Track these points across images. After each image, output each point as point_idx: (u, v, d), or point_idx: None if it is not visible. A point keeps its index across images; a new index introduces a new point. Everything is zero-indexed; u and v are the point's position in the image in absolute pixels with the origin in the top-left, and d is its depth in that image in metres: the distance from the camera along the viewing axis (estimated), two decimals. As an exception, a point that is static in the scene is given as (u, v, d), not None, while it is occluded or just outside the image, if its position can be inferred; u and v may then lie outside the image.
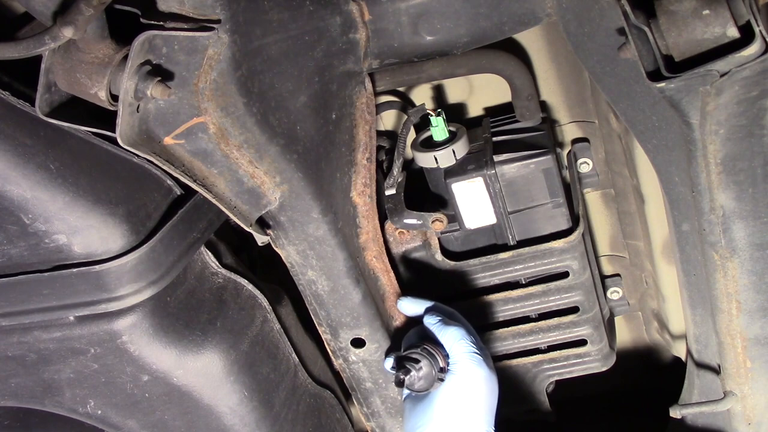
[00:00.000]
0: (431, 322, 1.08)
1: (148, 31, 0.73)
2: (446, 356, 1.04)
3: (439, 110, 1.16)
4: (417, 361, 1.02)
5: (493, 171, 1.13)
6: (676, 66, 0.76)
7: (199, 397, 1.01)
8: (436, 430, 1.01)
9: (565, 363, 1.30)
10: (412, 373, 1.01)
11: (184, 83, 0.80)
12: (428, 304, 1.13)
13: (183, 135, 0.84)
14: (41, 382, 1.00)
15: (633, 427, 1.56)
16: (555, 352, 1.30)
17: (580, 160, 1.30)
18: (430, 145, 1.17)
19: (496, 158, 1.14)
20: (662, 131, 0.93)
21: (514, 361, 1.30)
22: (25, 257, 0.88)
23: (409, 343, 1.09)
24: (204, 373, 0.99)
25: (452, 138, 1.16)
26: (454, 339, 1.04)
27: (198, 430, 1.05)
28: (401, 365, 1.03)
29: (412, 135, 1.22)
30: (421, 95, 1.31)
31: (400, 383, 1.02)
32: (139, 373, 0.96)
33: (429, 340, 1.06)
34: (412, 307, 1.14)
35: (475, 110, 1.33)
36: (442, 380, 1.02)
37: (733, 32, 0.73)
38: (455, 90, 1.31)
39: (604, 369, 1.33)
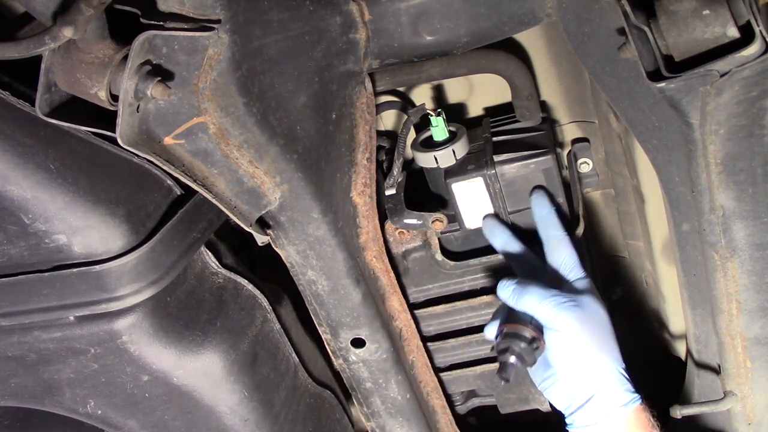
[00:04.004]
0: (505, 297, 1.06)
1: (148, 31, 0.73)
2: (531, 323, 1.03)
3: (439, 110, 1.16)
4: (504, 351, 1.02)
5: (493, 171, 1.13)
6: (676, 66, 0.76)
7: (199, 397, 1.01)
8: (562, 380, 1.02)
9: (565, 363, 1.30)
10: (508, 367, 1.02)
11: (184, 83, 0.80)
12: (504, 236, 1.13)
13: (183, 135, 0.84)
14: (41, 382, 1.00)
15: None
16: (555, 352, 1.29)
17: (580, 160, 1.30)
18: (430, 145, 1.17)
19: (496, 158, 1.14)
20: (662, 131, 0.93)
21: (514, 361, 1.30)
22: (25, 257, 0.88)
23: (495, 325, 1.08)
24: (204, 373, 0.99)
25: (452, 138, 1.16)
26: (533, 307, 1.02)
27: (198, 430, 1.05)
28: (500, 365, 1.03)
29: (412, 135, 1.22)
30: (421, 95, 1.31)
31: (506, 380, 1.02)
32: (139, 373, 0.97)
33: (512, 314, 1.06)
34: (495, 232, 1.14)
35: (475, 110, 1.33)
36: (536, 348, 1.02)
37: (733, 32, 0.73)
38: (455, 90, 1.31)
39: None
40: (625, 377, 1.02)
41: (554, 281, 1.08)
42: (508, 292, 1.05)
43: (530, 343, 1.02)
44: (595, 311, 1.03)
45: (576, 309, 1.01)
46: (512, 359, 1.02)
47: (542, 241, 1.11)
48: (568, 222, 1.16)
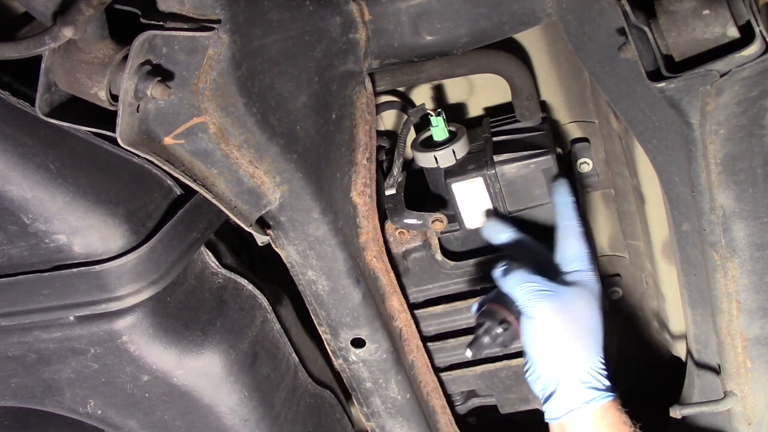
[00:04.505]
0: (495, 277, 1.08)
1: (148, 31, 0.73)
2: (512, 306, 1.05)
3: (439, 110, 1.16)
4: (478, 327, 1.06)
5: (493, 171, 1.13)
6: (676, 66, 0.76)
7: (199, 397, 1.01)
8: (538, 369, 1.02)
9: (565, 363, 1.30)
10: (476, 342, 1.05)
11: (184, 83, 0.80)
12: (508, 233, 1.13)
13: (183, 135, 0.84)
14: (41, 382, 1.00)
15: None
16: (555, 352, 1.30)
17: (580, 160, 1.30)
18: (430, 145, 1.17)
19: (496, 158, 1.14)
20: (662, 131, 0.93)
21: (515, 361, 1.30)
22: (25, 257, 0.88)
23: (483, 302, 1.12)
24: (204, 373, 0.99)
25: (452, 138, 1.16)
26: (513, 287, 1.03)
27: (198, 430, 1.05)
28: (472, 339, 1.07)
29: (412, 135, 1.22)
30: (421, 95, 1.31)
31: (473, 354, 1.06)
32: (139, 373, 0.97)
33: (500, 296, 1.08)
34: (495, 233, 1.14)
35: (475, 110, 1.33)
36: (506, 330, 1.05)
37: (733, 32, 0.73)
38: (455, 90, 1.31)
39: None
40: (598, 373, 1.01)
41: (557, 271, 1.08)
42: (498, 272, 1.07)
43: (500, 324, 1.05)
44: (580, 305, 1.03)
45: (553, 298, 1.01)
46: (483, 336, 1.05)
47: (556, 229, 1.10)
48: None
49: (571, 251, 1.08)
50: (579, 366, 1.00)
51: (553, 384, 1.01)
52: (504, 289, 1.05)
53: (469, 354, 1.06)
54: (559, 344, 1.01)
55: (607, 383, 1.01)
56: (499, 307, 1.06)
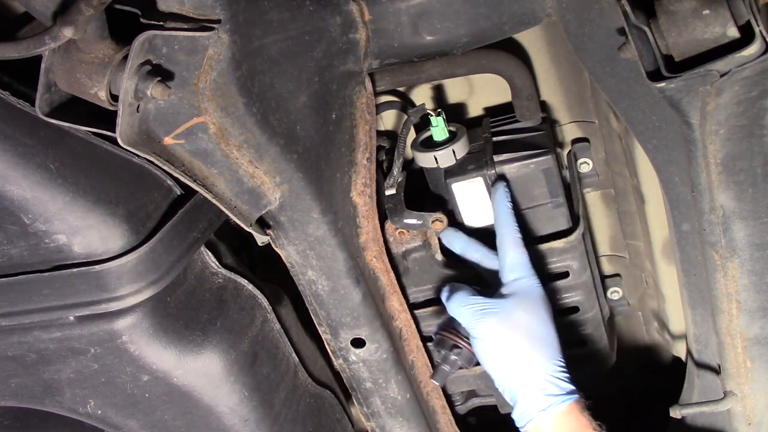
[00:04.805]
0: (442, 300, 1.12)
1: (148, 31, 0.73)
2: (459, 330, 1.12)
3: (439, 110, 1.16)
4: (437, 354, 1.14)
5: (493, 171, 1.13)
6: (676, 66, 0.76)
7: (199, 397, 1.01)
8: (500, 384, 1.06)
9: (565, 363, 1.30)
10: (438, 371, 1.13)
11: (184, 83, 0.80)
12: (463, 241, 1.15)
13: (183, 135, 0.84)
14: (41, 382, 1.00)
15: (633, 427, 1.56)
16: (555, 352, 1.29)
17: (580, 160, 1.30)
18: (430, 145, 1.17)
19: (496, 158, 1.14)
20: (662, 131, 0.93)
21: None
22: (25, 257, 0.88)
23: (437, 330, 1.18)
24: (204, 373, 0.99)
25: (452, 138, 1.16)
26: (456, 310, 1.08)
27: (198, 430, 1.05)
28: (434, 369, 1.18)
29: (412, 135, 1.22)
30: (421, 95, 1.31)
31: (438, 383, 1.15)
32: (139, 373, 0.96)
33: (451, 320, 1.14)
34: (453, 239, 1.16)
35: (475, 110, 1.33)
36: (459, 354, 1.11)
37: (733, 32, 0.73)
38: (455, 90, 1.31)
39: (604, 369, 1.33)
40: (556, 378, 1.03)
41: (500, 281, 1.10)
42: (443, 296, 1.11)
43: (452, 350, 1.11)
44: (524, 314, 1.05)
45: (495, 315, 1.04)
46: (442, 365, 1.13)
47: (496, 237, 1.11)
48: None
49: (510, 259, 1.09)
50: (534, 374, 1.02)
51: (514, 395, 1.04)
52: (450, 312, 1.09)
53: (435, 383, 1.17)
54: (509, 358, 1.03)
55: (567, 386, 1.03)
56: (448, 334, 1.13)
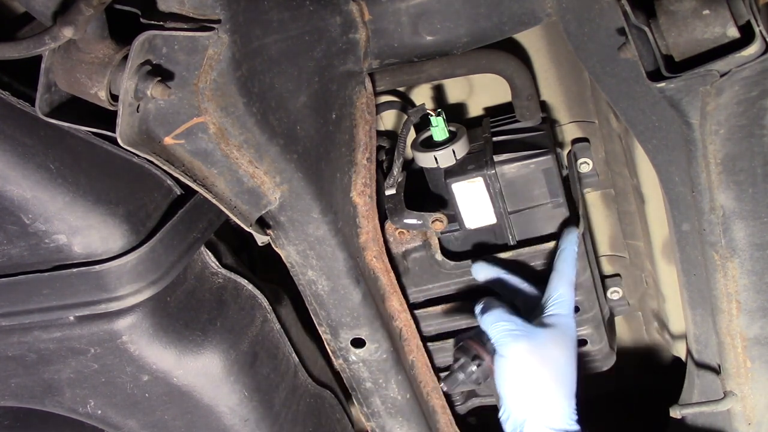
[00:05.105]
0: (476, 312, 1.10)
1: (148, 31, 0.73)
2: (486, 343, 1.08)
3: (439, 110, 1.16)
4: (455, 361, 1.10)
5: (493, 171, 1.13)
6: (676, 66, 0.76)
7: (199, 397, 1.01)
8: (508, 409, 1.03)
9: (565, 363, 1.30)
10: (451, 377, 1.09)
11: (184, 83, 0.80)
12: (495, 272, 1.15)
13: (183, 135, 0.84)
14: (41, 382, 1.00)
15: (633, 427, 1.56)
16: (555, 352, 1.29)
17: (580, 160, 1.30)
18: (430, 145, 1.17)
19: (496, 158, 1.13)
20: (662, 131, 0.94)
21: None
22: (25, 257, 0.88)
23: (462, 338, 1.15)
24: (204, 373, 0.99)
25: (452, 138, 1.16)
26: (489, 325, 1.06)
27: (198, 430, 1.05)
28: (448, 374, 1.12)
29: (412, 135, 1.22)
30: (421, 95, 1.31)
31: (448, 389, 1.11)
32: (139, 373, 0.97)
33: (480, 331, 1.11)
34: (482, 272, 1.16)
35: (475, 110, 1.33)
36: (479, 366, 1.08)
37: (733, 32, 0.73)
38: (455, 90, 1.31)
39: (604, 369, 1.33)
40: (568, 418, 1.02)
41: (539, 313, 1.09)
42: (477, 308, 1.10)
43: (473, 360, 1.08)
44: (554, 348, 1.04)
45: (525, 340, 1.03)
46: (458, 371, 1.09)
47: (552, 271, 1.12)
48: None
49: (556, 294, 1.09)
50: (547, 409, 1.01)
51: (519, 425, 1.02)
52: (481, 325, 1.08)
53: (444, 388, 1.12)
54: (528, 385, 1.02)
55: (576, 427, 1.02)
56: (475, 344, 1.09)
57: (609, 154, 1.29)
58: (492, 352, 1.07)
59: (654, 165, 1.00)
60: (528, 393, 1.02)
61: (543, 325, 1.06)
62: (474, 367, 1.08)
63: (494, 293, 1.15)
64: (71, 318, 0.93)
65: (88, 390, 1.00)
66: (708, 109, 0.80)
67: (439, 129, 1.16)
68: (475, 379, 1.09)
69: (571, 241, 1.13)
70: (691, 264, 1.05)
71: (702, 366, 1.17)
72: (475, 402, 1.40)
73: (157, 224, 0.92)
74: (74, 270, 0.87)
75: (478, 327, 1.11)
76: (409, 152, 1.23)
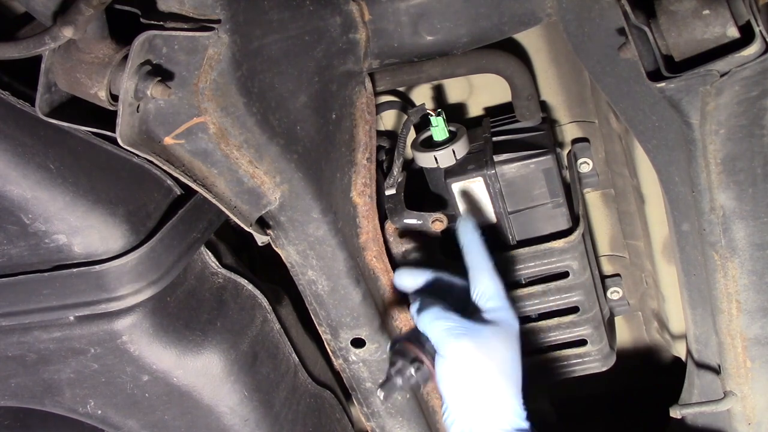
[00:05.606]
0: (411, 312, 1.03)
1: (148, 31, 0.73)
2: (424, 345, 1.00)
3: (439, 110, 1.16)
4: (391, 366, 0.99)
5: (493, 171, 1.13)
6: (676, 66, 0.76)
7: (199, 397, 1.01)
8: (453, 413, 0.96)
9: (565, 363, 1.30)
10: (387, 382, 0.98)
11: (184, 83, 0.80)
12: (422, 278, 1.08)
13: (183, 135, 0.84)
14: (41, 382, 1.00)
15: (633, 427, 1.56)
16: (555, 352, 1.30)
17: (580, 160, 1.30)
18: (430, 145, 1.17)
19: (496, 158, 1.14)
20: (662, 131, 0.94)
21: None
22: (25, 257, 0.88)
23: (397, 340, 1.06)
24: (204, 373, 0.99)
25: (452, 138, 1.16)
26: (427, 324, 0.98)
27: (198, 430, 1.05)
28: (384, 379, 1.00)
29: (412, 135, 1.22)
30: (421, 95, 1.31)
31: (385, 395, 0.99)
32: (139, 373, 0.96)
33: (417, 333, 1.03)
34: (407, 280, 1.09)
35: (475, 110, 1.33)
36: (418, 369, 0.98)
37: (733, 32, 0.73)
38: (455, 90, 1.31)
39: (604, 369, 1.33)
40: (516, 418, 0.95)
41: (474, 310, 1.02)
42: (413, 309, 1.02)
43: (412, 363, 0.99)
44: (498, 344, 0.96)
45: (471, 338, 0.95)
46: (395, 377, 0.99)
47: (467, 268, 1.04)
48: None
49: (484, 288, 1.01)
50: (496, 410, 0.94)
51: (468, 426, 0.95)
52: (419, 326, 1.00)
53: (381, 395, 0.99)
54: (473, 387, 0.95)
55: (525, 426, 0.95)
56: (412, 346, 1.00)
57: (609, 154, 1.29)
58: (432, 353, 0.99)
59: (654, 165, 1.00)
60: (474, 394, 0.95)
61: (483, 320, 0.99)
62: (412, 370, 0.98)
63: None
64: (71, 318, 0.93)
65: (88, 390, 1.00)
66: (708, 109, 0.80)
67: (439, 129, 1.16)
68: (414, 384, 0.99)
69: (467, 232, 1.05)
70: (691, 264, 1.05)
71: (702, 366, 1.17)
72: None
73: (157, 224, 0.92)
74: (74, 270, 0.87)
75: (414, 328, 1.03)
76: (409, 152, 1.23)
